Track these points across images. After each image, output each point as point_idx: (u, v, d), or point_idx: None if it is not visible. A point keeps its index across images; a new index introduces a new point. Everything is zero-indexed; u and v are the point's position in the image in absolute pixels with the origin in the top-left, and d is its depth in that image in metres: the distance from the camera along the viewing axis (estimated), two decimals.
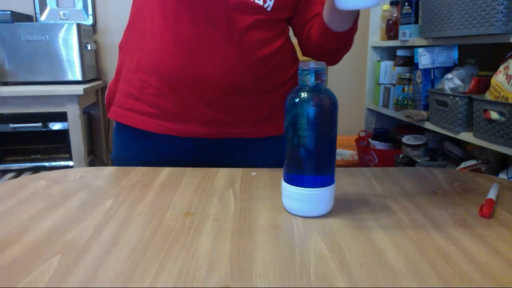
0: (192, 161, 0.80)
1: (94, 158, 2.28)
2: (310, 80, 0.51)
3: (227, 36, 0.72)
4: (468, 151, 1.64)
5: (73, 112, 1.84)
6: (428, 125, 1.66)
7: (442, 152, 1.77)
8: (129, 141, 0.83)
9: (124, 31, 0.82)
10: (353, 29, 0.75)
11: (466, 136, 1.43)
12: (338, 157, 2.19)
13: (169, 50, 0.73)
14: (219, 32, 0.72)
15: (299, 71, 0.51)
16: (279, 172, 0.71)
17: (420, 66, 1.68)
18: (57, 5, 2.21)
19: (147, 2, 0.76)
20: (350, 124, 2.41)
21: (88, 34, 2.05)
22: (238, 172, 0.71)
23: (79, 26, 1.90)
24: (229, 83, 0.74)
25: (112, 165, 0.86)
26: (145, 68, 0.76)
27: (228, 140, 0.81)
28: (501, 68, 1.30)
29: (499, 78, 1.29)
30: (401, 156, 1.87)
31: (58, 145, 2.04)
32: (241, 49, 0.74)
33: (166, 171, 0.72)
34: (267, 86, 0.79)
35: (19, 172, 1.99)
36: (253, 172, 0.71)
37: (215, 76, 0.73)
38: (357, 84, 2.41)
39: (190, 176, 0.69)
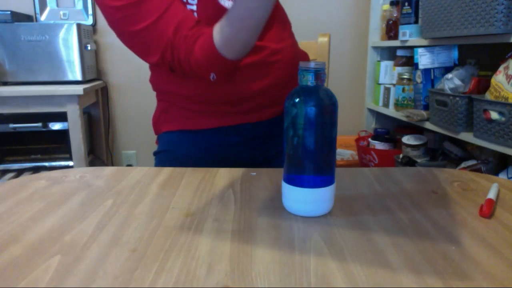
0: (245, 158, 0.88)
1: (94, 158, 2.29)
2: (310, 80, 0.51)
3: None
4: (468, 151, 1.64)
5: (73, 112, 1.84)
6: (428, 125, 1.66)
7: (442, 152, 1.77)
8: (185, 138, 0.88)
9: None
10: None
11: (466, 136, 1.43)
12: (338, 157, 2.18)
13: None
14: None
15: (299, 71, 0.51)
16: (279, 172, 0.71)
17: (420, 66, 1.68)
18: (57, 5, 2.21)
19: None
20: (350, 124, 2.41)
21: (88, 34, 2.05)
22: (238, 172, 0.71)
23: (79, 26, 1.90)
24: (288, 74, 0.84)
25: (154, 161, 0.92)
26: (207, 90, 0.82)
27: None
28: (501, 68, 1.30)
29: (499, 78, 1.29)
30: (401, 156, 1.87)
31: (58, 145, 2.04)
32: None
33: (166, 171, 0.72)
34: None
35: (19, 172, 1.99)
36: (253, 172, 0.71)
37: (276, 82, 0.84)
38: (357, 84, 2.41)
39: (190, 176, 0.69)
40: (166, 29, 0.69)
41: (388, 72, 2.05)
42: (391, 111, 1.98)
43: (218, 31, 0.68)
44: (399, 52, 1.94)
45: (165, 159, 0.89)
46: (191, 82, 0.80)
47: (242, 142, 0.88)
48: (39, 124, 1.93)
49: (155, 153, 0.92)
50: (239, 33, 0.66)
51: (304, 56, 0.96)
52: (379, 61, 2.14)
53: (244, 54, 0.70)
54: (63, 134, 1.93)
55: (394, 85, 1.97)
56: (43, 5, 2.20)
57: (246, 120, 0.86)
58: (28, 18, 2.14)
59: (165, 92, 0.88)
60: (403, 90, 1.87)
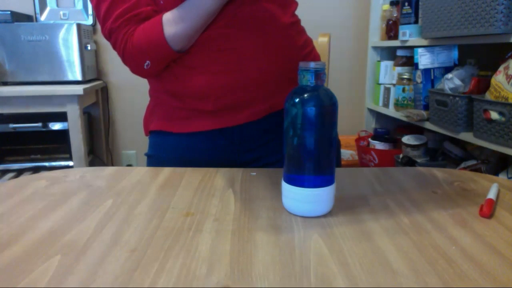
0: (230, 160, 0.83)
1: (94, 158, 2.29)
2: (310, 80, 0.51)
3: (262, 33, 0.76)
4: (468, 151, 1.64)
5: (73, 112, 1.84)
6: (428, 125, 1.66)
7: (442, 152, 1.77)
8: (169, 142, 0.85)
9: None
10: None
11: (466, 136, 1.43)
12: None
13: (220, 68, 0.75)
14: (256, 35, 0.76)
15: (299, 71, 0.51)
16: (279, 172, 0.71)
17: (420, 66, 1.68)
18: (57, 5, 2.21)
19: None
20: (350, 124, 2.41)
21: (88, 34, 2.05)
22: (238, 172, 0.71)
23: (79, 26, 1.90)
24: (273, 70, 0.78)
25: (146, 162, 0.90)
26: (198, 86, 0.78)
27: (268, 117, 0.82)
28: (501, 68, 1.30)
29: (499, 78, 1.29)
30: (401, 156, 1.87)
31: (58, 145, 2.04)
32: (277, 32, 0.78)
33: (166, 171, 0.72)
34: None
35: (19, 172, 1.99)
36: (253, 172, 0.71)
37: (262, 74, 0.77)
38: (357, 84, 2.41)
39: (190, 176, 0.69)
40: (112, 13, 0.71)
41: (388, 72, 2.05)
42: (391, 111, 1.98)
43: (171, 23, 0.70)
44: (399, 52, 1.94)
45: (154, 164, 0.87)
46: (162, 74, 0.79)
47: (230, 145, 0.82)
48: (39, 124, 1.93)
49: (145, 155, 0.91)
50: (193, 29, 0.70)
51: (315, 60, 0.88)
52: (379, 61, 2.14)
53: (187, 47, 0.73)
54: (63, 134, 1.93)
55: (394, 85, 1.97)
56: (43, 5, 2.20)
57: (226, 123, 0.80)
58: (28, 18, 2.14)
59: (150, 82, 0.86)
60: (403, 90, 1.88)
